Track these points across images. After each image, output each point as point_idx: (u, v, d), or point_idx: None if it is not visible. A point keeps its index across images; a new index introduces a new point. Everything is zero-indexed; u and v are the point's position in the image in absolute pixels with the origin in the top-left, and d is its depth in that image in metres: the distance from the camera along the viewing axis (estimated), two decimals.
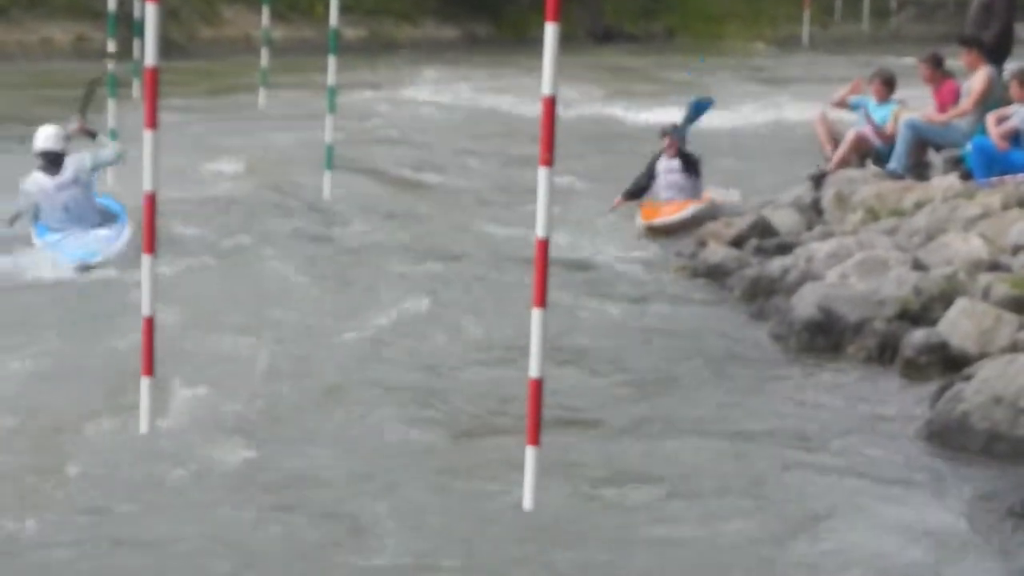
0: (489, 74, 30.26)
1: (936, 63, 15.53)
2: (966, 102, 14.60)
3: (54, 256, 12.73)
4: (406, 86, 28.31)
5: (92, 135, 13.78)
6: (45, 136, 13.40)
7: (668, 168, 15.40)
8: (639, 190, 15.52)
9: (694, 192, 15.31)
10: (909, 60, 19.98)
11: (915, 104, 15.86)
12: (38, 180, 13.30)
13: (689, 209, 14.77)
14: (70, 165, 13.34)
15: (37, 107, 21.26)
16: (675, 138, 15.42)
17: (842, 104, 16.05)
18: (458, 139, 21.82)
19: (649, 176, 15.48)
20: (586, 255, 13.63)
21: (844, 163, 15.32)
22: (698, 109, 15.96)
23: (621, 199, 15.64)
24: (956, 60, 15.57)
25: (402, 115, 24.38)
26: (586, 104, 25.74)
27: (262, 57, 22.16)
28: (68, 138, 13.49)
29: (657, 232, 14.64)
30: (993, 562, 7.05)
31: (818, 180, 15.25)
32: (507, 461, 7.73)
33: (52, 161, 13.28)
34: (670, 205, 14.99)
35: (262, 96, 22.60)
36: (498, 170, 18.86)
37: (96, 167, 13.55)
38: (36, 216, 13.28)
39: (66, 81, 26.03)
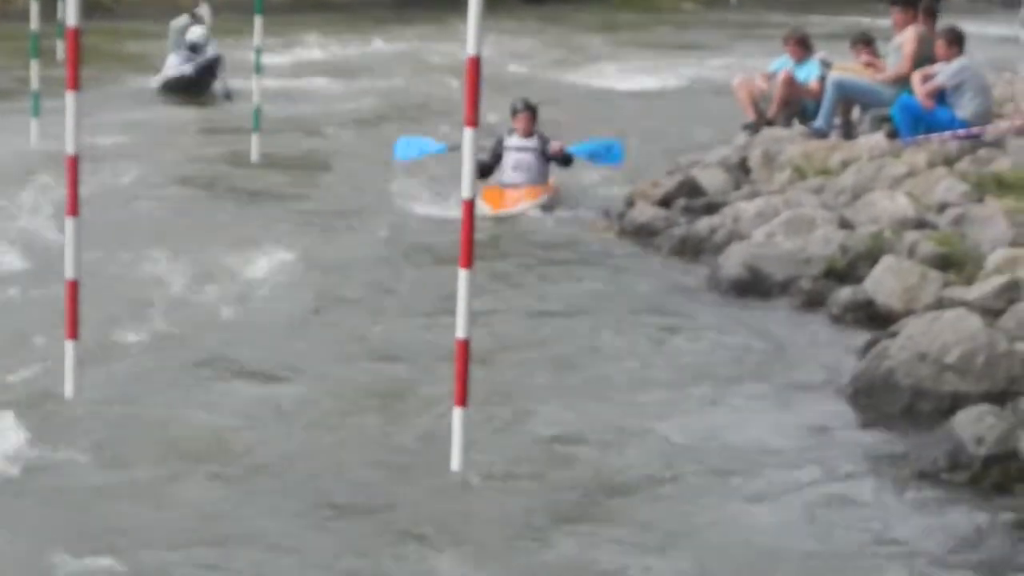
0: (418, 34, 30.18)
1: (868, 42, 15.61)
2: (901, 64, 14.50)
3: None
4: (336, 46, 28.18)
5: None
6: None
7: (519, 146, 14.30)
8: (486, 169, 14.13)
9: (540, 176, 14.30)
10: (839, 19, 20.09)
11: (840, 63, 15.91)
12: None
13: (531, 203, 13.89)
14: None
15: None
16: (532, 116, 14.37)
17: (762, 80, 16.06)
18: (387, 102, 21.75)
19: (496, 155, 14.34)
20: (508, 216, 13.58)
21: (783, 103, 15.41)
22: (600, 157, 14.88)
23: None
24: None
25: (329, 76, 24.24)
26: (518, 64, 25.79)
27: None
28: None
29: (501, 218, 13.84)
30: (898, 522, 7.10)
31: (755, 128, 15.35)
32: (436, 423, 7.75)
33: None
34: (514, 192, 14.07)
35: None
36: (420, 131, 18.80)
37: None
38: None
39: None
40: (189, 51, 21.78)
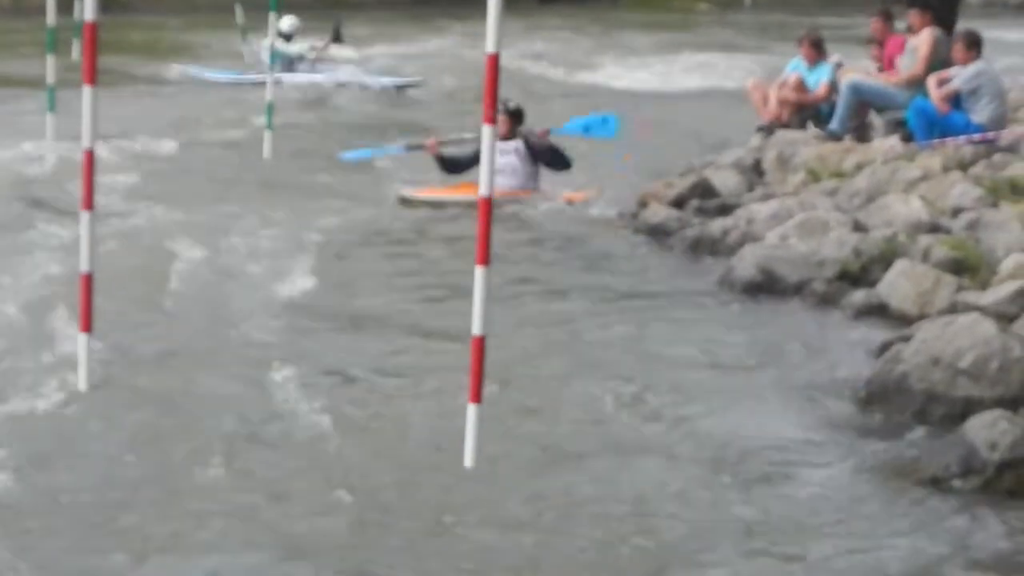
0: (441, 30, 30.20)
1: (887, 17, 15.63)
2: (916, 66, 14.52)
3: None
4: (352, 44, 28.17)
5: None
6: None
7: (501, 149, 13.15)
8: (456, 165, 14.01)
9: (529, 179, 13.93)
10: (850, 21, 20.06)
11: (852, 65, 15.90)
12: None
13: (451, 196, 13.78)
14: None
15: None
16: (511, 119, 13.91)
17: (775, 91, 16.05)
18: (402, 98, 21.78)
19: (477, 154, 13.09)
20: (523, 214, 13.57)
21: (795, 108, 15.42)
22: (595, 129, 14.62)
23: (435, 145, 14.12)
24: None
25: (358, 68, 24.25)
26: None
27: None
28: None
29: (411, 204, 13.88)
30: (909, 529, 7.05)
31: (769, 130, 15.32)
32: (449, 418, 7.74)
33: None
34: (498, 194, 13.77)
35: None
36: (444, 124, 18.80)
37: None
38: None
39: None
40: (283, 40, 22.38)
